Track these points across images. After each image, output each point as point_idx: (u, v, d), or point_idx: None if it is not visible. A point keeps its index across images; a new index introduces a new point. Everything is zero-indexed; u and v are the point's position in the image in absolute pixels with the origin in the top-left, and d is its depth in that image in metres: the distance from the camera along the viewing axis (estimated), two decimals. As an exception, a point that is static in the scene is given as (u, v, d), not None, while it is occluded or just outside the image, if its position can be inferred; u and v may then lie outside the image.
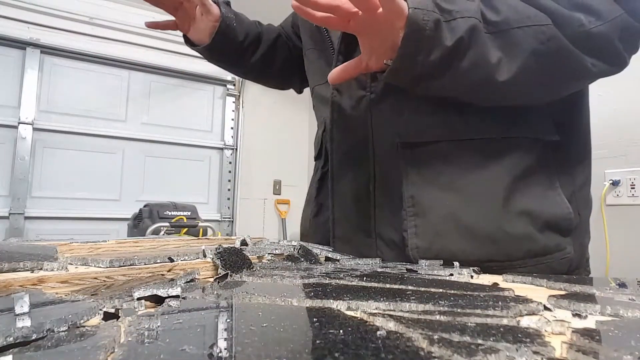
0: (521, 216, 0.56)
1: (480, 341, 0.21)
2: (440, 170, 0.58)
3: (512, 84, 0.50)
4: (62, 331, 0.23)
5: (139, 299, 0.31)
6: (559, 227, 0.57)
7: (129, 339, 0.21)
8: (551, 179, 0.58)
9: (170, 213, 2.23)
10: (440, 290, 0.35)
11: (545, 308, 0.31)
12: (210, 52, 0.84)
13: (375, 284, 0.38)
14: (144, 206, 2.29)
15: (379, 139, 0.63)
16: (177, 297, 0.32)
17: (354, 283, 0.38)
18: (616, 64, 0.52)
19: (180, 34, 0.85)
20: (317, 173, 0.79)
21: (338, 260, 0.58)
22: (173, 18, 0.81)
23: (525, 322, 0.26)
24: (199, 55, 0.86)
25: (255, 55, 0.89)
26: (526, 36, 0.48)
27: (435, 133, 0.59)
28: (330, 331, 0.23)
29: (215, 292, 0.33)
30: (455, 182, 0.57)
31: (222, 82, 3.23)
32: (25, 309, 0.27)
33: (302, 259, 0.56)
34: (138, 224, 2.24)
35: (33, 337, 0.21)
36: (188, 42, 0.85)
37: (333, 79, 0.54)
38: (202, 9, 0.78)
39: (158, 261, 0.45)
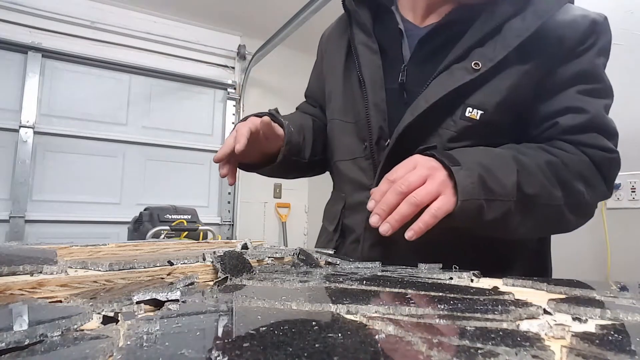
0: None
1: (479, 345, 0.21)
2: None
3: (520, 234, 0.63)
4: (56, 336, 0.23)
5: (138, 302, 0.31)
6: None
7: (128, 342, 0.21)
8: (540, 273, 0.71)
9: (170, 216, 2.23)
10: (440, 293, 0.35)
11: (545, 312, 0.30)
12: (281, 165, 0.79)
13: (375, 288, 0.38)
14: (144, 209, 2.29)
15: (400, 238, 0.67)
16: (176, 300, 0.32)
17: (353, 287, 0.38)
18: (588, 218, 0.68)
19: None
20: (331, 242, 0.80)
21: (338, 264, 0.58)
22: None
23: (525, 326, 0.26)
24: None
25: (304, 158, 0.85)
26: (544, 211, 0.61)
27: (456, 240, 0.63)
28: (330, 335, 0.23)
29: (215, 296, 0.33)
30: None
31: (222, 86, 3.24)
32: (20, 314, 0.27)
33: (302, 263, 0.56)
34: (138, 227, 2.24)
35: (26, 342, 0.21)
36: (243, 166, 0.82)
37: (411, 237, 0.55)
38: (270, 135, 0.75)
39: (158, 265, 0.45)
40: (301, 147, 0.82)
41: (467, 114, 0.64)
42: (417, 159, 0.58)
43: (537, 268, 0.73)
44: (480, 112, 0.64)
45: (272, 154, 0.79)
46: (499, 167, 0.59)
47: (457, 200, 0.54)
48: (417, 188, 0.55)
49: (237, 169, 0.79)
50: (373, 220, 0.56)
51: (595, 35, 0.64)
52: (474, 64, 0.63)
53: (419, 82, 0.67)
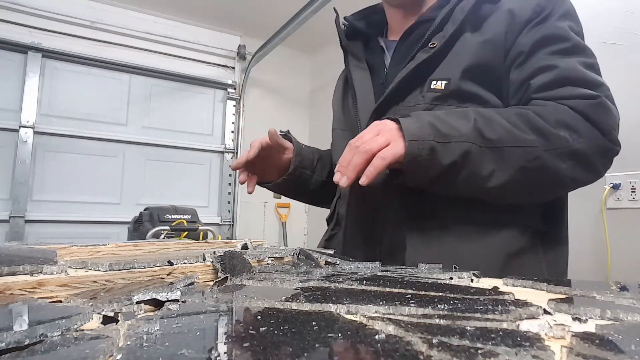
0: None
1: (479, 345, 0.21)
2: (441, 241, 0.66)
3: (501, 191, 0.61)
4: (56, 336, 0.23)
5: (138, 302, 0.31)
6: None
7: (128, 342, 0.21)
8: (539, 262, 0.67)
9: (170, 216, 2.23)
10: (440, 293, 0.35)
11: (545, 312, 0.30)
12: (293, 177, 0.87)
13: (375, 288, 0.38)
14: (144, 209, 2.29)
15: (388, 209, 0.71)
16: (176, 300, 0.32)
17: (353, 287, 0.38)
18: (593, 174, 0.63)
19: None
20: (326, 233, 0.87)
21: (338, 264, 0.58)
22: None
23: (525, 326, 0.26)
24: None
25: (321, 176, 0.94)
26: (515, 155, 0.59)
27: (439, 209, 0.67)
28: (330, 335, 0.23)
29: (215, 296, 0.33)
30: (457, 253, 0.64)
31: (222, 86, 3.24)
32: (20, 314, 0.27)
33: (302, 263, 0.56)
34: (138, 227, 2.24)
35: (26, 342, 0.21)
36: (263, 185, 0.90)
37: (363, 182, 0.59)
38: (279, 148, 0.85)
39: (158, 265, 0.45)
40: (315, 166, 0.92)
41: (432, 87, 0.69)
42: (374, 123, 0.63)
43: (543, 255, 0.67)
44: (444, 82, 0.68)
45: (287, 170, 0.88)
46: (454, 118, 0.61)
47: (405, 143, 0.57)
48: None
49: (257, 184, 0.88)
50: (335, 178, 0.60)
51: (551, 4, 0.67)
52: (431, 44, 0.70)
53: (395, 76, 0.73)
